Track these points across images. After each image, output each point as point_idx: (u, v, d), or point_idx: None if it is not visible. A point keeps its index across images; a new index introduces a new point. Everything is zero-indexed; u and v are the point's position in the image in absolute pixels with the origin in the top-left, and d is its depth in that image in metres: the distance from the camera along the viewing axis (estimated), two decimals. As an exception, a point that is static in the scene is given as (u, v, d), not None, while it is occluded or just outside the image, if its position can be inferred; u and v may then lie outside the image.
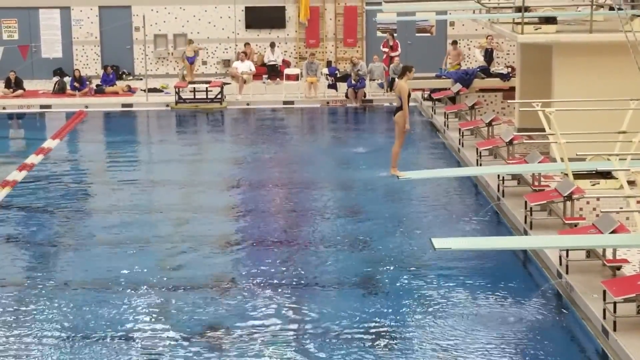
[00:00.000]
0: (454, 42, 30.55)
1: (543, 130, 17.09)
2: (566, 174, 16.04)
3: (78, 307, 13.25)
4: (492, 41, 29.31)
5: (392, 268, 14.65)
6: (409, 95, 17.35)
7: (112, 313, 12.99)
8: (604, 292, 11.77)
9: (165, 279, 14.31)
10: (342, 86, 29.96)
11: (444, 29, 33.49)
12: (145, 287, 13.97)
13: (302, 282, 14.22)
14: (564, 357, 11.76)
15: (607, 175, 16.28)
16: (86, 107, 29.36)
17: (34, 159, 22.25)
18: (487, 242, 14.17)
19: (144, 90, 30.19)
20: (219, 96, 29.37)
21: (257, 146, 24.39)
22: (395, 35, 32.05)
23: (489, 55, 29.00)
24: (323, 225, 17.10)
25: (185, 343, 12.06)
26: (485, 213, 17.45)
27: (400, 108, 17.42)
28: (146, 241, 16.24)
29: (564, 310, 12.93)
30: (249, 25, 33.50)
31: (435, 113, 26.49)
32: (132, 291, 13.82)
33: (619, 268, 13.19)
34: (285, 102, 29.76)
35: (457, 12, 27.82)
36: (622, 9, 16.20)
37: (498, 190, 17.70)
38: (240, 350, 11.84)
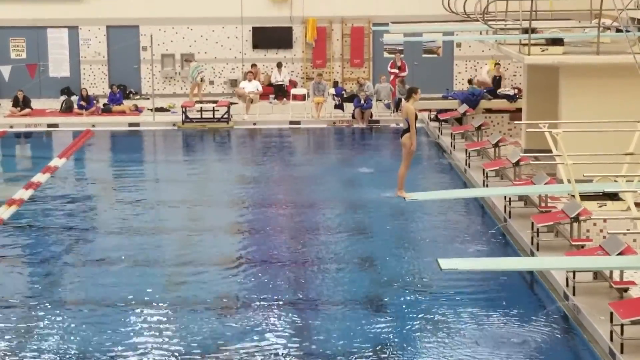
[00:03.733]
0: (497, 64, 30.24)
1: (550, 151, 17.08)
2: (573, 196, 16.02)
3: (83, 325, 13.25)
4: (499, 68, 29.36)
5: (398, 288, 14.64)
6: (416, 117, 17.37)
7: (116, 332, 12.98)
8: (611, 314, 11.74)
9: (170, 297, 14.30)
10: (349, 106, 29.97)
11: (451, 50, 33.53)
12: (151, 305, 13.96)
13: (308, 301, 14.20)
14: (571, 379, 11.74)
15: (614, 196, 16.24)
16: (93, 126, 29.41)
17: (40, 177, 22.27)
18: (493, 263, 14.16)
19: (151, 110, 30.25)
20: (226, 116, 29.41)
21: (263, 166, 24.42)
22: (402, 56, 32.10)
23: (497, 82, 28.95)
24: (329, 244, 17.09)
25: (191, 362, 12.05)
26: (492, 234, 17.42)
27: (407, 130, 17.43)
28: (152, 260, 16.24)
29: (571, 332, 12.89)
30: (256, 45, 33.57)
31: (441, 134, 26.50)
32: (138, 310, 13.81)
33: (626, 290, 13.16)
34: (291, 122, 29.78)
35: (463, 33, 27.86)
36: (629, 31, 16.19)
37: (505, 211, 17.69)
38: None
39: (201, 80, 32.09)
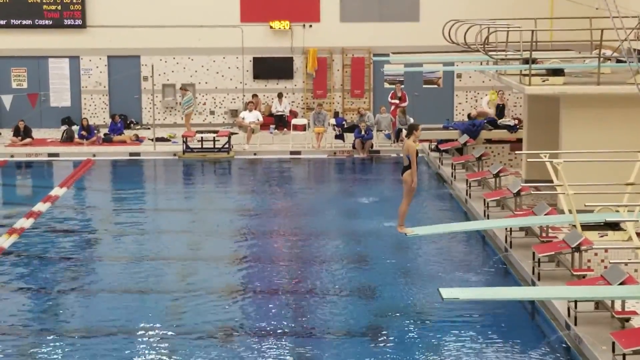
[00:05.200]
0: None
1: (551, 181, 17.08)
2: (574, 226, 16.01)
3: (82, 354, 13.20)
4: (502, 96, 29.39)
5: (399, 318, 14.59)
6: (417, 154, 17.37)
7: (117, 361, 12.97)
8: (613, 343, 11.71)
9: (170, 326, 14.26)
10: (349, 137, 30.03)
11: (451, 81, 33.63)
12: (150, 334, 13.92)
13: (308, 331, 14.15)
14: (573, 409, 11.68)
15: (615, 226, 16.23)
16: (94, 155, 29.45)
17: (41, 206, 22.27)
18: (495, 292, 14.11)
19: (152, 140, 30.29)
20: (227, 146, 29.46)
21: (264, 196, 24.41)
22: (402, 86, 32.20)
23: (500, 110, 28.99)
24: (329, 274, 17.06)
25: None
26: (493, 264, 17.39)
27: (408, 167, 17.43)
28: (151, 289, 16.21)
29: (573, 362, 12.87)
30: (257, 75, 33.68)
31: (442, 164, 26.52)
32: (137, 339, 13.77)
33: (628, 320, 13.11)
34: (292, 152, 29.82)
35: (464, 63, 27.94)
36: (632, 62, 16.23)
37: (505, 241, 17.66)
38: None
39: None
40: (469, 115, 30.36)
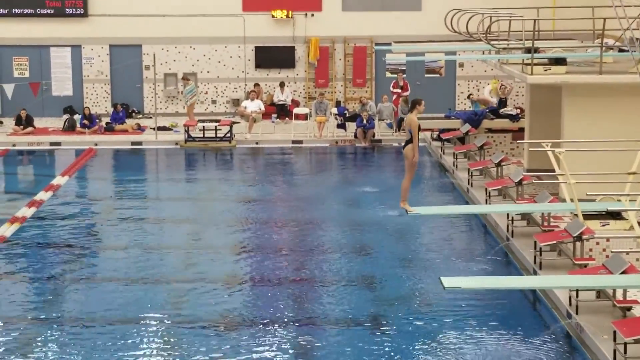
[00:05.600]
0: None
1: (552, 170, 17.06)
2: (576, 215, 16.00)
3: (82, 343, 13.22)
4: (505, 90, 29.32)
5: (400, 306, 14.60)
6: (419, 128, 17.32)
7: (116, 349, 12.95)
8: (615, 332, 11.71)
9: (172, 315, 14.27)
10: (351, 126, 30.00)
11: (453, 70, 33.58)
12: (151, 324, 13.94)
13: (309, 320, 14.16)
14: (574, 398, 11.69)
15: (617, 216, 16.23)
16: (96, 144, 29.45)
17: (43, 195, 22.28)
18: (496, 281, 14.11)
19: (154, 129, 30.27)
20: (228, 135, 29.45)
21: (266, 185, 24.41)
22: (404, 75, 32.17)
23: (502, 104, 28.92)
24: (331, 263, 17.07)
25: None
26: (495, 253, 17.39)
27: (409, 141, 17.38)
28: (153, 278, 16.21)
29: (574, 351, 12.85)
30: (259, 64, 33.62)
31: (444, 153, 26.50)
32: (138, 327, 13.78)
33: (629, 309, 13.12)
34: (294, 142, 29.80)
35: (466, 53, 27.91)
36: (634, 51, 16.21)
37: (507, 231, 17.66)
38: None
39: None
40: (469, 96, 30.25)
